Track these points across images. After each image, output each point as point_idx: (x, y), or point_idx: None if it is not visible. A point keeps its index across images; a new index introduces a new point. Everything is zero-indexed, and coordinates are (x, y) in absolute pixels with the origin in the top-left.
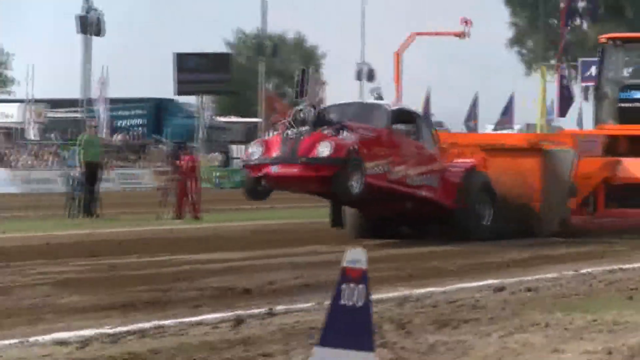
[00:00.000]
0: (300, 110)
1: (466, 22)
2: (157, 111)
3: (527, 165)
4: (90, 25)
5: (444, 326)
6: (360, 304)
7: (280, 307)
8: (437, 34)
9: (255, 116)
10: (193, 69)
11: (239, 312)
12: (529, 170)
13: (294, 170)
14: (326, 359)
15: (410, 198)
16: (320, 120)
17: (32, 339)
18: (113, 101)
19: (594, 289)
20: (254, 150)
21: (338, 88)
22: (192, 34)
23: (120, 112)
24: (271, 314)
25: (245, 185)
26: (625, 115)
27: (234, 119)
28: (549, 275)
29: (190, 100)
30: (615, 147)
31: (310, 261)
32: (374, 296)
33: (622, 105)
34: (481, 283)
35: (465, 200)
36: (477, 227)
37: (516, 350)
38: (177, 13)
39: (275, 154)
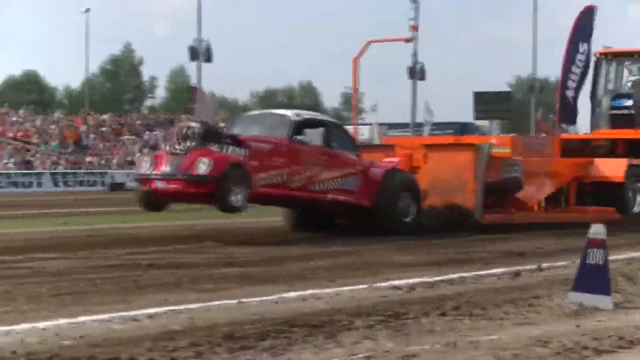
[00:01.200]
0: (188, 127)
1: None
2: (462, 131)
3: (461, 159)
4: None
5: None
6: (601, 262)
7: (545, 264)
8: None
9: None
10: (486, 102)
11: (517, 267)
12: (462, 164)
13: (176, 186)
14: (577, 299)
15: (319, 202)
16: (209, 135)
17: (374, 285)
18: (434, 124)
19: None
20: (143, 165)
21: None
22: (487, 76)
23: (435, 132)
24: (539, 269)
25: (137, 197)
26: (616, 121)
27: None
28: None
29: (484, 123)
30: (611, 149)
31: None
32: (610, 257)
33: (613, 112)
34: None
35: (383, 198)
36: (398, 223)
37: None
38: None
39: (161, 169)
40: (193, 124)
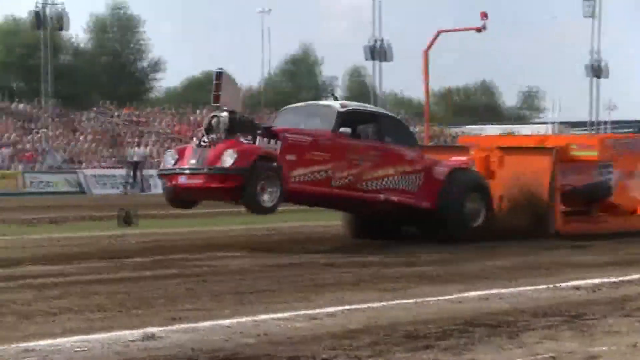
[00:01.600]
0: (214, 116)
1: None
2: None
3: (538, 164)
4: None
5: None
6: None
7: None
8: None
9: None
10: None
11: None
12: (540, 169)
13: (199, 181)
14: None
15: (369, 203)
16: (238, 126)
17: (555, 285)
18: (613, 122)
19: None
20: (168, 159)
21: None
22: None
23: (616, 131)
24: None
25: (165, 195)
26: None
27: None
28: None
29: None
30: None
31: None
32: None
33: None
34: None
35: (447, 200)
36: (465, 228)
37: None
38: None
39: (185, 163)
40: (221, 114)
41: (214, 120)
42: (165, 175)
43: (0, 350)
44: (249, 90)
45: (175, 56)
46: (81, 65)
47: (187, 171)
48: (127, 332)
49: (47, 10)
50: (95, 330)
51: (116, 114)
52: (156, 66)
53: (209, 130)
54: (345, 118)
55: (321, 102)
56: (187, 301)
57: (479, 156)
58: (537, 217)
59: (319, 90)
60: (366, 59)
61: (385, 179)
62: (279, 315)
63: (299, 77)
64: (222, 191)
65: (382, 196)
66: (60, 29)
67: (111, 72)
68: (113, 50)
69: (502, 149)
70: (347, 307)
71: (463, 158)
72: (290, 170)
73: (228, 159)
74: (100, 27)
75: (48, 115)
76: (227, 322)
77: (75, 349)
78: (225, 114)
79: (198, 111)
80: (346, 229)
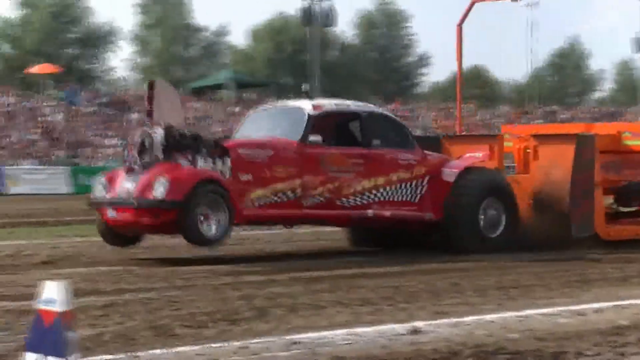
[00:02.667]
0: (146, 134)
1: None
2: None
3: (569, 155)
4: None
5: None
6: None
7: None
8: None
9: None
10: None
11: None
12: (569, 160)
13: (128, 216)
14: None
15: (355, 221)
16: (176, 144)
17: None
18: None
19: None
20: (98, 187)
21: None
22: None
23: None
24: None
25: (97, 229)
26: None
27: None
28: None
29: None
30: None
31: None
32: None
33: None
34: None
35: (455, 208)
36: (480, 239)
37: None
38: None
39: (115, 193)
40: (154, 131)
41: (147, 140)
42: (96, 207)
43: (269, 341)
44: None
45: (441, 51)
46: (348, 61)
47: (115, 204)
48: (393, 326)
49: (316, 7)
50: (361, 324)
51: (387, 108)
52: (422, 61)
53: (141, 152)
54: (319, 122)
55: (291, 103)
56: (451, 295)
57: (517, 147)
58: (559, 221)
59: (586, 84)
60: (632, 52)
61: (374, 192)
62: (544, 310)
63: (566, 70)
64: (157, 227)
65: (370, 212)
66: (328, 25)
67: (378, 67)
68: (380, 46)
69: (536, 137)
70: (615, 303)
71: (478, 154)
72: (245, 192)
73: (159, 189)
74: (367, 23)
75: None
76: (490, 316)
77: (341, 342)
78: (160, 130)
79: (463, 106)
80: (347, 238)
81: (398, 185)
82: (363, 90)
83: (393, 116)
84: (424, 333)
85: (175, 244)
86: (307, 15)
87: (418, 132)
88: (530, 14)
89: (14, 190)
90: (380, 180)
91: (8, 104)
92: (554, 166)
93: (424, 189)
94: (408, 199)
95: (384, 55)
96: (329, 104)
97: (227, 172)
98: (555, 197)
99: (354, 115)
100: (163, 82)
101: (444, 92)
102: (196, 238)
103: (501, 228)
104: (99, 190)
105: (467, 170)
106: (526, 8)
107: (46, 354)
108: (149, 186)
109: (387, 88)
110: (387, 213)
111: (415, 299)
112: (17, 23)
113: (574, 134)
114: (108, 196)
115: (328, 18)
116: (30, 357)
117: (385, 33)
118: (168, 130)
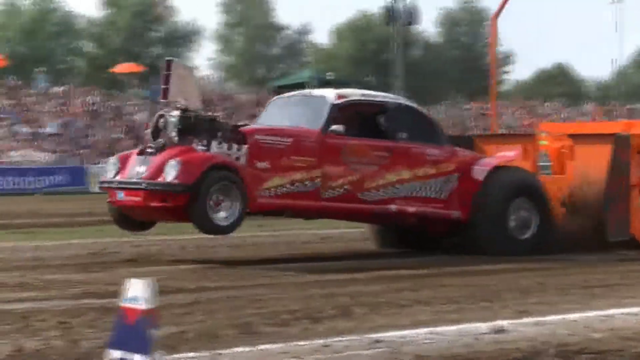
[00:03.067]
0: (161, 115)
1: None
2: None
3: (606, 155)
4: None
5: None
6: None
7: None
8: None
9: None
10: None
11: None
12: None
13: (137, 199)
14: None
15: (376, 216)
16: (192, 127)
17: None
18: None
19: None
20: (109, 168)
21: None
22: None
23: None
24: None
25: (110, 213)
26: None
27: None
28: None
29: None
30: None
31: None
32: None
33: None
34: None
35: (484, 208)
36: (509, 240)
37: None
38: None
39: (125, 175)
40: (170, 113)
41: (161, 121)
42: (106, 189)
43: (351, 340)
44: (598, 83)
45: (525, 48)
46: (431, 60)
47: (124, 186)
48: (477, 325)
49: (399, 6)
50: (444, 322)
51: (466, 107)
52: (506, 59)
53: (156, 133)
54: (342, 112)
55: (315, 92)
56: (536, 295)
57: (553, 147)
58: (593, 224)
59: None
60: None
61: (399, 186)
62: (628, 310)
63: None
64: (166, 211)
65: (393, 207)
66: (411, 23)
67: (461, 65)
68: (463, 44)
69: (572, 136)
70: None
71: (510, 152)
72: (260, 180)
73: (171, 172)
74: (450, 21)
75: None
76: (574, 316)
77: (424, 341)
78: (176, 112)
79: (547, 104)
80: (371, 238)
81: (424, 181)
82: (447, 88)
83: (423, 110)
84: (507, 332)
85: (259, 242)
86: (390, 14)
87: (502, 131)
88: (615, 12)
89: (94, 189)
90: (405, 174)
91: (93, 103)
92: (590, 167)
93: (452, 186)
94: (434, 196)
95: (467, 53)
96: (354, 93)
97: (243, 159)
98: (591, 199)
99: (380, 107)
100: (180, 62)
101: (529, 91)
102: (205, 225)
103: (532, 230)
104: (110, 171)
105: (498, 168)
106: (611, 5)
107: (130, 351)
108: (159, 169)
109: (470, 86)
110: (411, 209)
111: (499, 297)
112: (101, 23)
113: (611, 134)
114: (118, 178)
115: (411, 16)
116: (114, 354)
117: (468, 31)
118: (184, 112)
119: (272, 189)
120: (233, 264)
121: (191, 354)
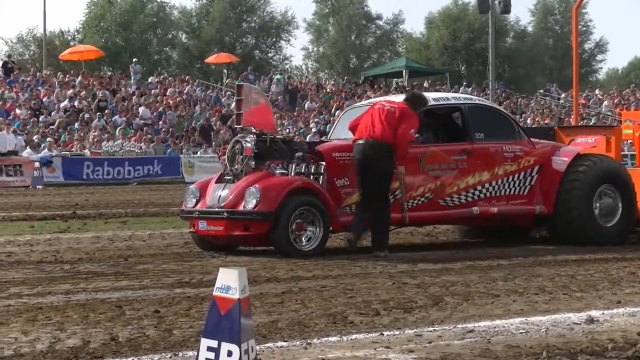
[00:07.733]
0: (237, 141)
1: None
2: None
3: None
4: None
5: None
6: None
7: None
8: None
9: None
10: None
11: None
12: None
13: (219, 228)
14: None
15: (460, 220)
16: (268, 151)
17: None
18: None
19: None
20: (189, 198)
21: None
22: None
23: None
24: None
25: (193, 239)
26: None
27: None
28: None
29: None
30: None
31: None
32: None
33: None
34: None
35: (567, 198)
36: (595, 229)
37: None
38: None
39: (206, 204)
40: (245, 138)
41: (237, 147)
42: (187, 218)
43: (443, 329)
44: None
45: (619, 37)
46: (525, 48)
47: (206, 215)
48: (569, 315)
49: None
50: (537, 312)
51: (562, 95)
52: (600, 47)
53: (232, 159)
54: (420, 117)
55: (387, 100)
56: (629, 285)
57: (637, 135)
58: None
59: None
60: None
61: (480, 187)
62: None
63: None
64: (248, 238)
65: (475, 209)
66: (505, 12)
67: (555, 54)
68: (556, 33)
69: None
70: None
71: (590, 138)
72: (341, 198)
73: (251, 200)
74: (544, 10)
75: (495, 99)
76: None
77: (516, 331)
78: (251, 137)
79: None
80: (455, 231)
81: (505, 179)
82: (541, 77)
83: (497, 107)
84: (599, 322)
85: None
86: (484, 3)
87: (593, 121)
88: None
89: (189, 178)
90: (485, 175)
91: (187, 93)
92: None
93: (534, 180)
94: (516, 192)
95: (560, 42)
96: (429, 97)
97: (322, 177)
98: None
99: (455, 109)
100: (252, 86)
101: (622, 79)
102: (289, 251)
103: (617, 217)
104: (189, 200)
105: (579, 157)
106: None
107: (222, 340)
108: (239, 197)
109: (564, 75)
110: (494, 209)
111: (592, 287)
112: (195, 13)
113: None
114: (199, 207)
115: (505, 5)
116: (206, 343)
117: (563, 20)
118: (259, 136)
119: (353, 206)
120: (326, 254)
121: (282, 343)
